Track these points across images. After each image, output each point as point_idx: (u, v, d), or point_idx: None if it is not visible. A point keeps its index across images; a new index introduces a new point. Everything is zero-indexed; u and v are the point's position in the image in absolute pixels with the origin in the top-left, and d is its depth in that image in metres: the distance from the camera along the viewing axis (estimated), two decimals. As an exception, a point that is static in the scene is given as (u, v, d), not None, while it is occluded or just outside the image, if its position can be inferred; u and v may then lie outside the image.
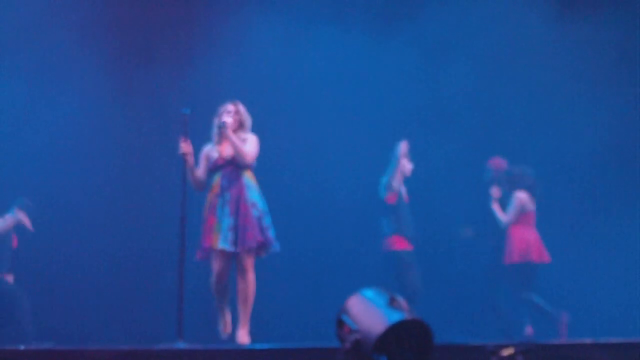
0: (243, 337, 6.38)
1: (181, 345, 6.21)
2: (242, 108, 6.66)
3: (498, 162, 8.91)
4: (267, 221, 6.45)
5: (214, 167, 6.54)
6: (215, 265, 6.41)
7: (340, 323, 5.22)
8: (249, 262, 6.39)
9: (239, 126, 6.60)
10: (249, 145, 6.54)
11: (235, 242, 6.30)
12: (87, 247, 8.91)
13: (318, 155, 9.41)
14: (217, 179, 6.50)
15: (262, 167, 6.76)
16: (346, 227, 9.28)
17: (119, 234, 9.05)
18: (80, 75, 8.99)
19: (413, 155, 8.58)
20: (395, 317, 5.08)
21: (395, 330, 5.04)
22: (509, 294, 8.54)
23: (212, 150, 6.65)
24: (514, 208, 8.55)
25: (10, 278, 8.30)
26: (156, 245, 8.90)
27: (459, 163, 9.45)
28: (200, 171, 6.65)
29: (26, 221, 8.32)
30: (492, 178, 8.84)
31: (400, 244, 8.41)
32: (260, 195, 6.49)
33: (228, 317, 6.60)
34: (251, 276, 6.40)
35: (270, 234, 6.45)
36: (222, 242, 6.26)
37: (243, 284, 6.39)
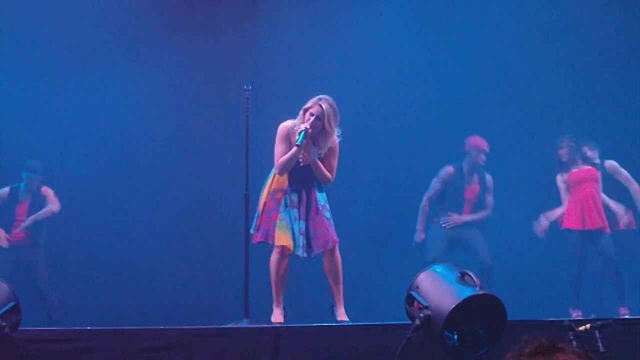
0: (342, 315, 6.23)
1: (246, 324, 6.16)
2: (328, 110, 6.00)
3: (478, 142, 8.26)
4: (331, 219, 6.25)
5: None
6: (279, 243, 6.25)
7: (410, 299, 5.11)
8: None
9: (321, 131, 6.04)
10: (332, 164, 6.14)
11: (307, 248, 6.16)
12: (151, 228, 8.88)
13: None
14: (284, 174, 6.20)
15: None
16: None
17: (182, 213, 9.01)
18: (139, 52, 8.94)
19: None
20: (466, 292, 4.96)
21: (466, 306, 4.92)
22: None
23: (295, 136, 6.06)
24: None
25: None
26: (220, 224, 8.83)
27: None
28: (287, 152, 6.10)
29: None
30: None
31: None
32: (324, 193, 6.27)
33: (280, 309, 6.31)
34: (337, 253, 6.23)
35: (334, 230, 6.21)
36: (295, 248, 6.09)
37: (330, 262, 6.20)
